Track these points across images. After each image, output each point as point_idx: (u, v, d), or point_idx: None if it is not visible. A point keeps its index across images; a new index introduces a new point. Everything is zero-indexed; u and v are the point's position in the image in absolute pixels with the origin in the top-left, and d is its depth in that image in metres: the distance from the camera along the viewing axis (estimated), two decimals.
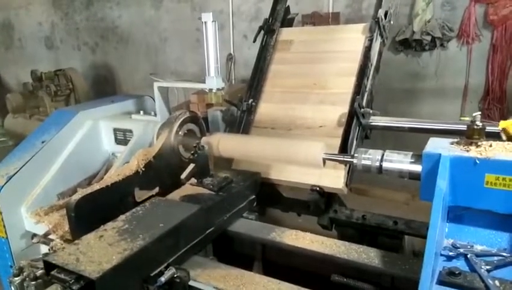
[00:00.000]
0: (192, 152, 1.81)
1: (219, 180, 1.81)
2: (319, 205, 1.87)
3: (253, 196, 1.93)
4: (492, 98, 4.33)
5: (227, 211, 1.75)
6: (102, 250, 1.28)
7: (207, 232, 1.61)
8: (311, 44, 2.28)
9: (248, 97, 2.22)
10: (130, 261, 1.25)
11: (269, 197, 2.01)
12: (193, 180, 1.85)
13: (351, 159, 1.58)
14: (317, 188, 1.85)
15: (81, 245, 1.32)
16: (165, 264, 1.38)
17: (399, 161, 1.48)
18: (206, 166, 1.83)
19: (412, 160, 1.46)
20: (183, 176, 1.80)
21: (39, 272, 1.39)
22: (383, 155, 1.52)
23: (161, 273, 1.33)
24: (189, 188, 1.80)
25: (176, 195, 1.75)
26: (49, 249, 1.66)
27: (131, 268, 1.27)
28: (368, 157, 1.53)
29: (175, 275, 1.33)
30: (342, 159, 1.66)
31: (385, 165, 1.50)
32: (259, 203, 1.98)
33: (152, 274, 1.33)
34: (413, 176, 1.45)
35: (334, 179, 1.83)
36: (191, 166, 1.81)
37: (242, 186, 1.84)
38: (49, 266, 1.23)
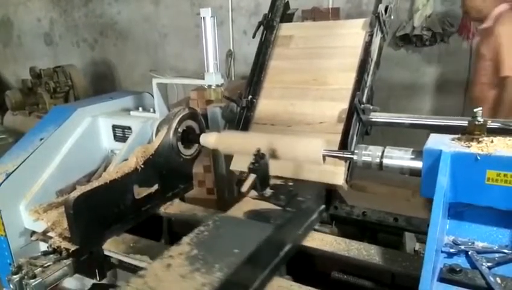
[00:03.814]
0: (252, 161, 1.58)
1: (284, 193, 1.64)
2: None
3: (323, 206, 1.81)
4: None
5: (300, 227, 1.59)
6: (175, 285, 1.08)
7: (285, 251, 1.45)
8: (311, 39, 2.26)
9: (247, 93, 2.20)
10: None
11: None
12: (253, 192, 1.66)
13: (351, 156, 1.57)
14: None
15: (149, 277, 1.11)
16: None
17: (399, 158, 1.47)
18: (266, 176, 1.64)
19: (413, 156, 1.44)
20: (243, 189, 1.60)
21: (38, 270, 1.39)
22: (383, 151, 1.50)
23: None
24: (251, 202, 1.63)
25: (238, 211, 1.56)
26: (47, 247, 1.66)
27: None
28: (368, 153, 1.52)
29: None
30: (342, 155, 1.65)
31: (385, 161, 1.49)
32: None
33: None
34: (414, 173, 1.43)
35: (334, 175, 1.82)
36: (252, 177, 1.60)
37: (310, 199, 1.68)
38: None
